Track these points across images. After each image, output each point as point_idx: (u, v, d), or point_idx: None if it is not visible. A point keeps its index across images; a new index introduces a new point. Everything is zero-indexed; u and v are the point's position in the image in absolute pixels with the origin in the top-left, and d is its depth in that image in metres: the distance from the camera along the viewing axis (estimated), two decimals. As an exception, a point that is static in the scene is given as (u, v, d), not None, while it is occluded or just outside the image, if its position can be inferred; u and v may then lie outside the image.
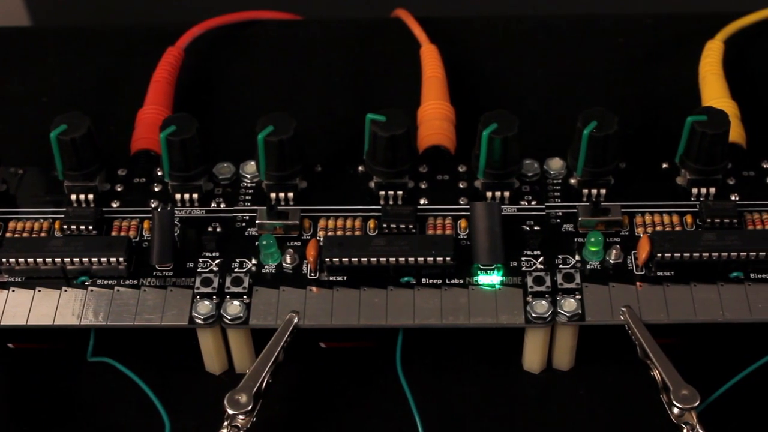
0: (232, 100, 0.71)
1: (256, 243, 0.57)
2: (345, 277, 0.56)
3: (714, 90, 0.65)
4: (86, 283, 0.56)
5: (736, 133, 0.62)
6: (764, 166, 0.60)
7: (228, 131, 0.68)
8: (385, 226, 0.57)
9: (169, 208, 0.58)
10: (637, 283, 0.55)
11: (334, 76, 0.72)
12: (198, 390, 0.57)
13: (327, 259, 0.55)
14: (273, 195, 0.59)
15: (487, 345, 0.58)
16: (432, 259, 0.55)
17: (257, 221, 0.58)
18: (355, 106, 0.68)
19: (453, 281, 0.55)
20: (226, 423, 0.52)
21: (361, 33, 0.75)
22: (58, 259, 0.55)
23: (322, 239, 0.57)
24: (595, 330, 0.55)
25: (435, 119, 0.63)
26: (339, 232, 0.57)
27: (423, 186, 0.60)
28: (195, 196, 0.59)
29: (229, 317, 0.54)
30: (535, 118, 0.68)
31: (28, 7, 1.01)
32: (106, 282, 0.56)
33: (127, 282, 0.56)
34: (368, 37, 0.75)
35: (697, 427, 0.51)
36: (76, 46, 0.75)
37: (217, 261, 0.57)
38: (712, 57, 0.68)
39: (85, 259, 0.55)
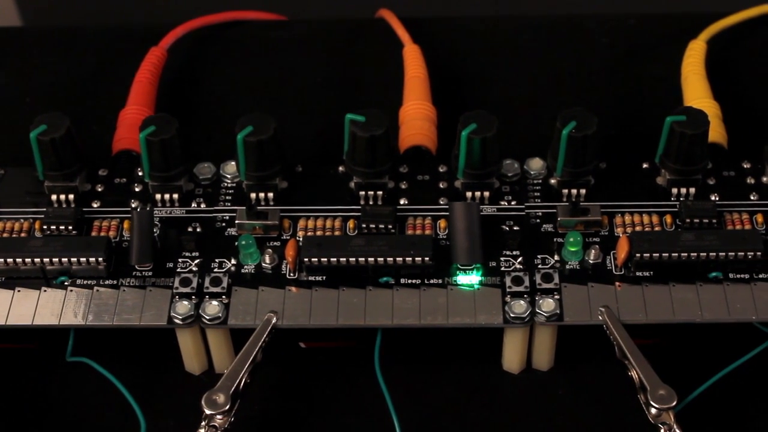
0: (214, 101, 0.71)
1: (236, 243, 0.57)
2: (324, 277, 0.56)
3: (696, 90, 0.65)
4: (66, 283, 0.56)
5: (717, 134, 0.62)
6: (745, 166, 0.60)
7: (210, 131, 0.68)
8: (364, 226, 0.57)
9: (148, 209, 0.58)
10: (616, 283, 0.55)
11: (317, 77, 0.72)
12: (178, 390, 0.57)
13: (306, 259, 0.55)
14: (253, 195, 0.59)
15: (467, 345, 0.58)
16: (411, 259, 0.55)
17: (236, 221, 0.58)
18: (338, 106, 0.68)
19: (432, 281, 0.55)
20: (203, 423, 0.52)
21: (345, 33, 0.75)
22: (37, 259, 0.55)
23: (301, 239, 0.57)
24: (575, 330, 0.55)
25: (416, 119, 0.63)
26: (319, 232, 0.57)
27: (403, 186, 0.60)
28: (175, 196, 0.59)
29: (207, 317, 0.54)
30: (517, 118, 0.68)
31: (18, 7, 1.01)
32: (85, 282, 0.56)
33: (107, 282, 0.56)
34: (352, 37, 0.75)
35: (675, 427, 0.51)
36: (60, 46, 0.75)
37: (196, 261, 0.57)
38: (694, 57, 0.68)
39: (65, 259, 0.55)
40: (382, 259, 0.55)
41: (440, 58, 0.71)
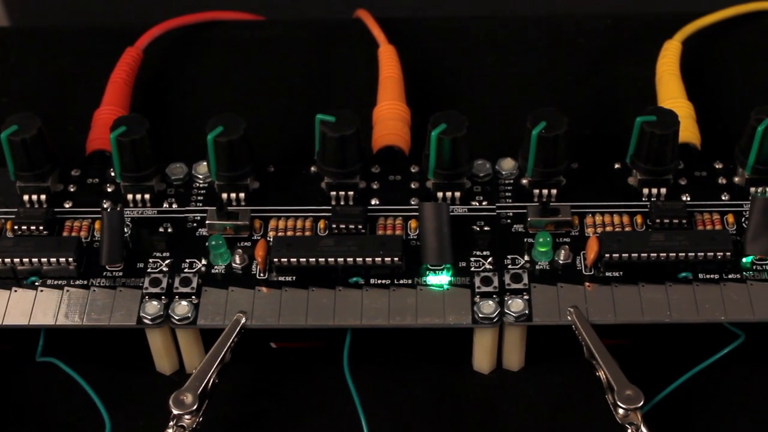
0: (190, 101, 0.71)
1: (206, 243, 0.57)
2: (294, 278, 0.56)
3: (670, 90, 0.65)
4: (36, 284, 0.56)
5: (690, 134, 0.62)
6: (717, 166, 0.60)
7: (186, 132, 0.68)
8: (334, 226, 0.57)
9: (118, 209, 0.58)
10: (586, 284, 0.55)
11: (294, 77, 0.72)
12: (149, 390, 0.57)
13: (275, 260, 0.55)
14: (224, 195, 0.59)
15: (438, 345, 0.58)
16: (380, 259, 0.55)
17: (207, 222, 0.58)
18: (313, 107, 0.68)
19: (401, 282, 0.55)
20: (172, 423, 0.52)
21: (322, 34, 0.75)
22: (8, 260, 0.55)
23: (271, 239, 0.57)
24: (546, 330, 0.55)
25: (389, 119, 0.63)
26: (290, 233, 0.57)
27: (375, 186, 0.60)
28: (147, 196, 0.59)
29: (177, 317, 0.54)
30: (492, 118, 0.68)
31: (6, 8, 1.01)
32: (56, 282, 0.56)
33: (77, 282, 0.56)
34: (329, 37, 0.75)
35: (642, 427, 0.51)
36: (36, 46, 0.75)
37: (167, 261, 0.57)
38: (669, 57, 0.68)
39: (35, 260, 0.55)
40: (351, 259, 0.55)
41: (417, 59, 0.71)
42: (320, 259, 0.55)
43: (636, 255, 0.55)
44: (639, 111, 0.58)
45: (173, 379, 0.57)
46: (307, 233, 0.57)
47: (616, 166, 0.60)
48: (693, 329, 0.56)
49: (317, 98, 0.71)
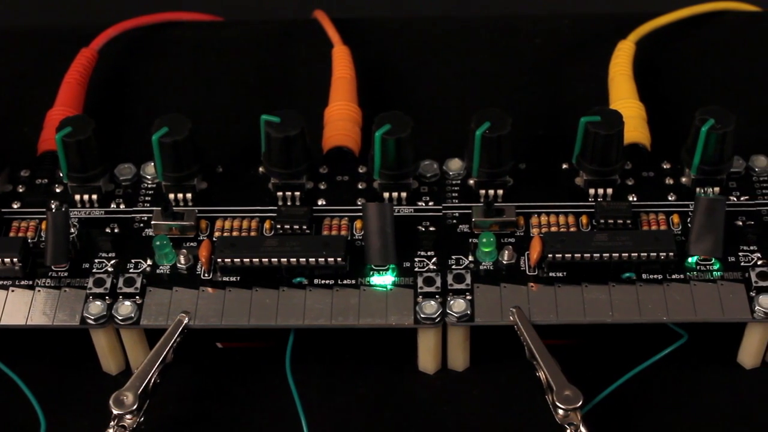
0: (143, 102, 0.70)
1: (151, 244, 0.57)
2: (238, 278, 0.56)
3: (621, 90, 0.65)
4: (-19, 284, 0.56)
5: (640, 134, 0.62)
6: (664, 167, 0.60)
7: (138, 133, 0.67)
8: (279, 227, 0.57)
9: (63, 209, 0.58)
10: (529, 284, 0.55)
11: (249, 78, 0.72)
12: (94, 390, 0.57)
13: (219, 260, 0.55)
14: (171, 196, 0.59)
15: (385, 345, 0.58)
16: (323, 259, 0.55)
17: (152, 222, 0.58)
18: (269, 107, 0.68)
19: (345, 282, 0.55)
20: (113, 423, 0.52)
21: (279, 34, 0.75)
22: (-48, 260, 0.56)
23: (216, 240, 0.57)
24: (492, 330, 0.55)
25: (339, 120, 0.63)
26: (235, 233, 0.58)
27: (322, 187, 0.60)
28: (94, 197, 0.59)
29: (120, 317, 0.54)
30: (445, 119, 0.68)
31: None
32: (1, 282, 0.56)
33: (22, 283, 0.56)
34: (286, 38, 0.75)
35: (581, 427, 0.51)
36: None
37: (112, 261, 0.57)
38: (621, 57, 0.68)
39: (-20, 260, 0.56)
40: (294, 259, 0.55)
41: (372, 59, 0.72)
42: (264, 260, 0.55)
43: (579, 255, 0.55)
44: (593, 111, 0.58)
45: (119, 379, 0.57)
46: (253, 234, 0.57)
47: (564, 166, 0.60)
48: (637, 329, 0.56)
49: (273, 99, 0.71)
